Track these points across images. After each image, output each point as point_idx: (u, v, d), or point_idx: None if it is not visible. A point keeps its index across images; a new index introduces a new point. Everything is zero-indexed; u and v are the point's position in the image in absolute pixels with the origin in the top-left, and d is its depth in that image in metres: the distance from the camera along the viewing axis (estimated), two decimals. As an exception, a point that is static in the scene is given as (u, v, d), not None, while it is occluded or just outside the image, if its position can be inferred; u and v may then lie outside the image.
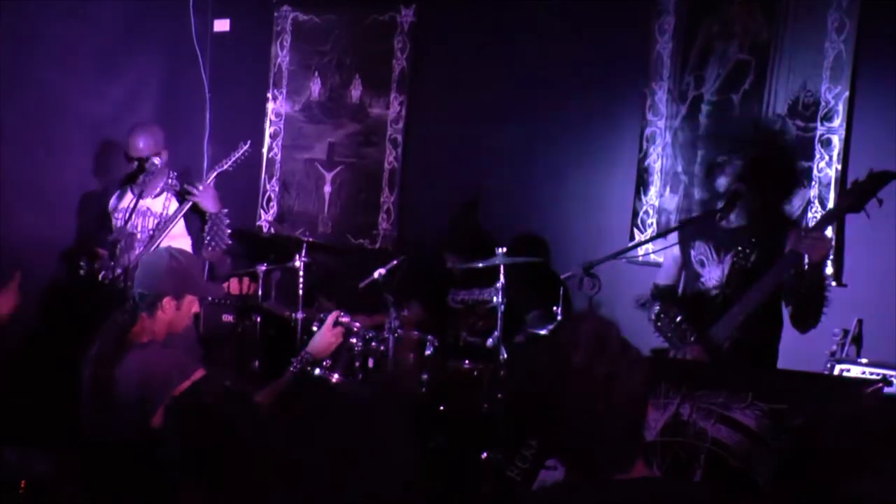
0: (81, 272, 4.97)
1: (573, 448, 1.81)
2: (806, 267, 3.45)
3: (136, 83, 5.98)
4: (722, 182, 3.68)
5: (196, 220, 5.06)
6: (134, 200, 5.02)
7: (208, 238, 5.01)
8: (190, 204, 4.99)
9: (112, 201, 5.22)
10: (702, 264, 3.75)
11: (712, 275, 3.72)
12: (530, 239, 5.37)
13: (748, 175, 3.64)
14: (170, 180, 5.11)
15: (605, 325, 1.84)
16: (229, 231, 5.06)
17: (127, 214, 5.02)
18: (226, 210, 5.04)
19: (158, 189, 5.12)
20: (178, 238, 5.01)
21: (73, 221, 5.61)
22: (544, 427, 1.84)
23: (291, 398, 2.40)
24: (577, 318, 1.86)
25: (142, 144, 5.04)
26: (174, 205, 5.08)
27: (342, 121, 6.20)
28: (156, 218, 5.05)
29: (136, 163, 5.05)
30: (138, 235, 5.04)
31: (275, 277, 5.61)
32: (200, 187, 4.99)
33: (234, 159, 5.16)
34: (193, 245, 5.09)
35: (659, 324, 3.72)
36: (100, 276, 4.93)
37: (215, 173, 5.09)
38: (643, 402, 1.84)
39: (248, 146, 5.21)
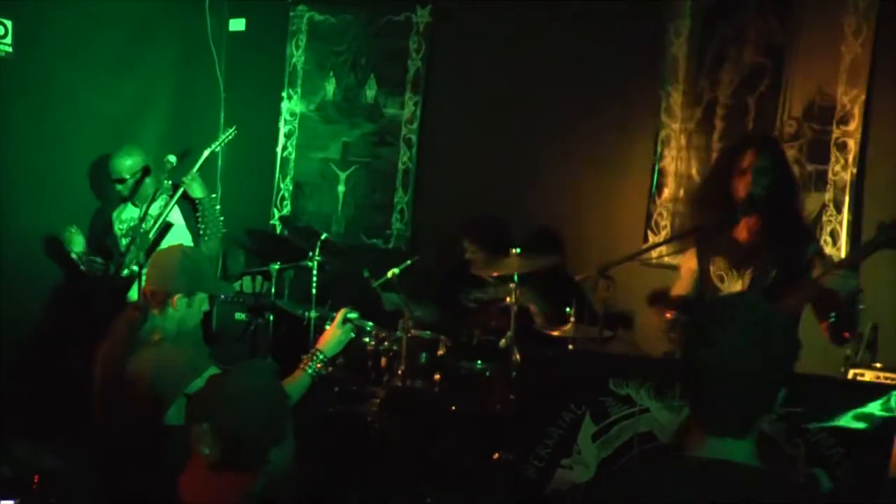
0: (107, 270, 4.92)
1: (698, 397, 1.93)
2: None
3: (151, 82, 5.99)
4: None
5: (193, 215, 5.06)
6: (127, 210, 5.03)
7: (202, 227, 5.01)
8: (180, 192, 4.94)
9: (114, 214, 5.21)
10: (721, 280, 3.73)
11: (732, 290, 3.69)
12: (544, 240, 5.36)
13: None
14: (163, 181, 5.04)
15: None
16: (222, 218, 5.07)
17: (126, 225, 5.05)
18: (214, 195, 5.00)
19: (153, 194, 5.02)
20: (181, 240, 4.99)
21: (86, 220, 5.60)
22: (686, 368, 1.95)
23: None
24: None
25: (130, 163, 5.07)
26: (173, 204, 5.02)
27: (357, 120, 6.20)
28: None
29: (125, 181, 5.07)
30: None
31: (288, 276, 5.61)
32: (185, 179, 4.96)
33: (220, 141, 5.18)
34: (195, 242, 5.07)
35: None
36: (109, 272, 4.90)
37: (203, 157, 5.04)
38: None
39: (234, 129, 5.23)
